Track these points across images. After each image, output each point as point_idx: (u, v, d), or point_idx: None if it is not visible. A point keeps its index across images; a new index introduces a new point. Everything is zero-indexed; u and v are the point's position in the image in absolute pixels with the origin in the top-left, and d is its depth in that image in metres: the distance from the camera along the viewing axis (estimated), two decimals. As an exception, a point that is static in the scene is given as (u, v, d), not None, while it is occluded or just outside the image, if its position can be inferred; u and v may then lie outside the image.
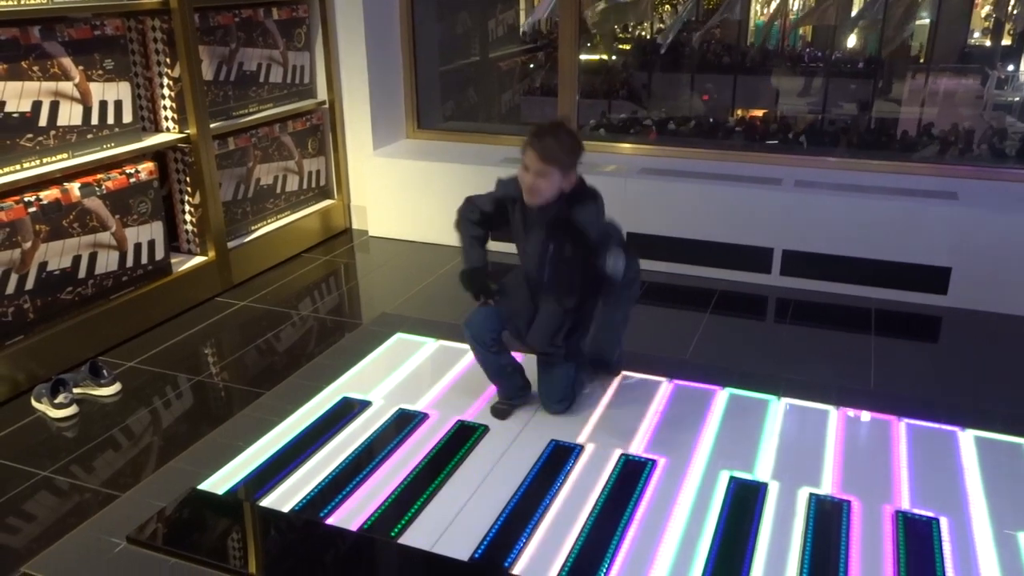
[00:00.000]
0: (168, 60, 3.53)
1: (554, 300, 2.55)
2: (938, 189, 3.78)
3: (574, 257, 2.48)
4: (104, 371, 3.00)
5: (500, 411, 2.77)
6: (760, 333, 3.58)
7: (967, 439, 2.62)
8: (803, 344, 3.40)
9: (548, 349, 2.66)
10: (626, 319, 2.79)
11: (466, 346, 3.26)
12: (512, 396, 2.80)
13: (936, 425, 2.70)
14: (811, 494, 2.36)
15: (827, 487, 2.40)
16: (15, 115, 2.93)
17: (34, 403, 2.89)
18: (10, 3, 2.86)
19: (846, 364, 3.19)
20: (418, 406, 2.85)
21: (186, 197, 3.76)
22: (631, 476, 2.45)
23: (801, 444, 2.62)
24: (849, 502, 2.33)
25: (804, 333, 3.54)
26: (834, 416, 2.76)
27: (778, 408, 2.81)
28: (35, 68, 2.97)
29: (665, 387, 2.95)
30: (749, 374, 3.03)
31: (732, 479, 2.43)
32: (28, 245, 2.98)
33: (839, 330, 3.53)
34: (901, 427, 2.69)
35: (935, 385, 3.06)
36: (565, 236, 2.46)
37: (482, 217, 2.62)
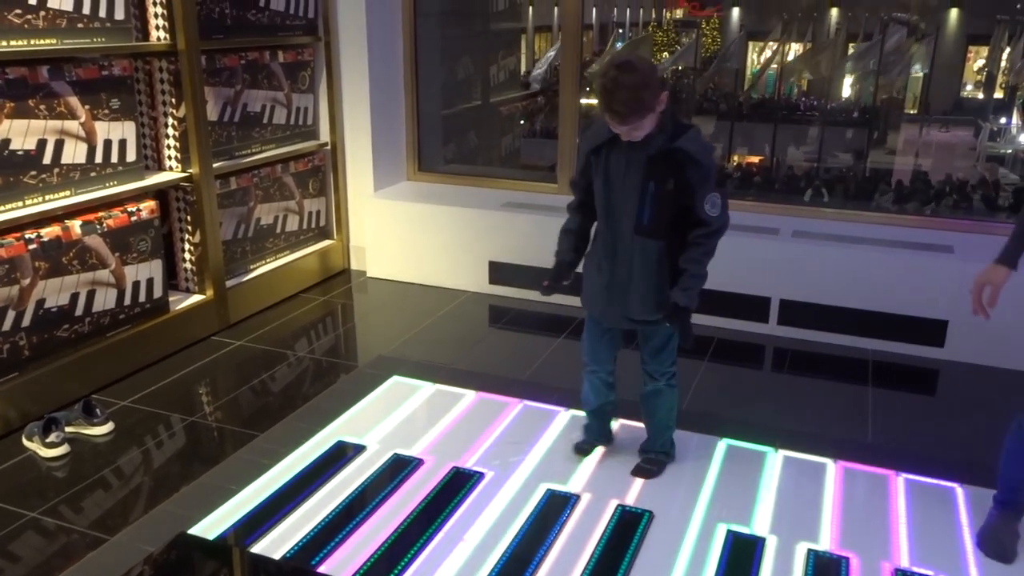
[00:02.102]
0: (174, 100, 3.57)
1: (652, 245, 2.36)
2: (935, 242, 3.80)
3: (673, 194, 2.31)
4: (97, 410, 2.98)
5: (579, 447, 2.80)
6: (757, 382, 3.57)
7: (966, 495, 2.60)
8: (800, 394, 3.39)
9: (657, 314, 2.43)
10: (705, 276, 2.45)
11: (463, 390, 3.27)
12: (599, 419, 2.78)
13: (935, 481, 2.68)
14: (809, 550, 2.34)
15: (825, 542, 2.37)
16: (20, 152, 2.95)
17: (25, 442, 2.86)
18: (22, 44, 2.90)
19: (844, 416, 3.18)
20: (413, 451, 2.83)
21: (186, 235, 3.77)
22: (628, 527, 2.42)
23: (799, 497, 2.59)
24: (848, 559, 2.30)
25: (801, 383, 3.53)
26: (832, 469, 2.74)
27: (775, 460, 2.79)
28: (42, 107, 3.00)
29: (662, 436, 2.93)
30: (746, 424, 3.02)
31: (729, 532, 2.41)
32: (27, 282, 2.97)
33: (837, 381, 3.52)
34: (900, 482, 2.68)
35: (933, 439, 3.04)
36: (666, 171, 2.29)
37: (584, 196, 2.48)
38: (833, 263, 3.76)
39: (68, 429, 2.90)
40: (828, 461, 2.78)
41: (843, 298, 3.77)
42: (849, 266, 3.74)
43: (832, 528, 2.44)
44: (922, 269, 3.63)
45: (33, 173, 3.01)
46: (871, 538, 2.40)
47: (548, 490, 2.60)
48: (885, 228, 4.03)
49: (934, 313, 3.64)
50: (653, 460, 2.72)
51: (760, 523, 2.46)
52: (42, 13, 2.96)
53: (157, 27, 3.46)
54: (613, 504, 2.53)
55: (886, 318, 3.71)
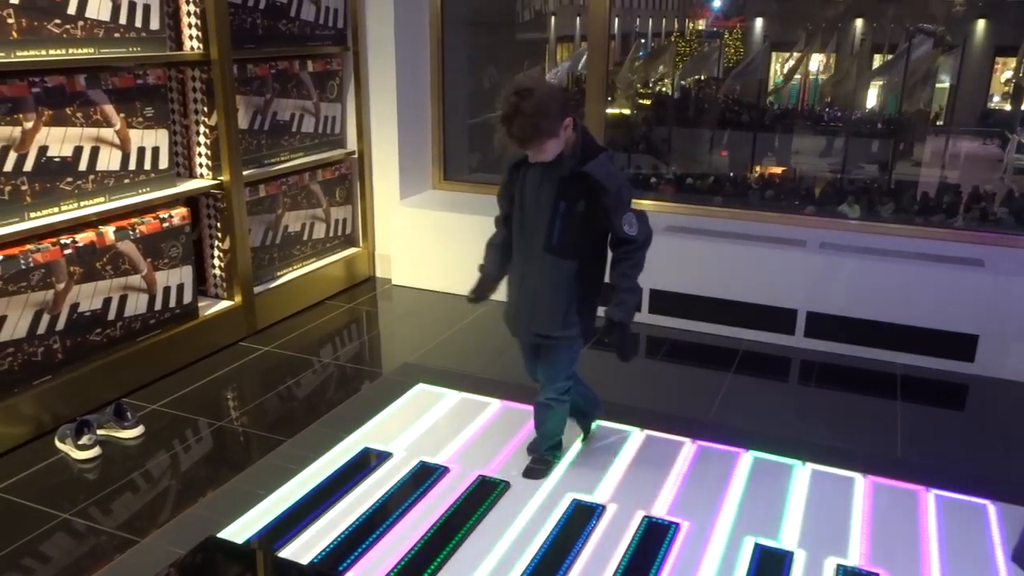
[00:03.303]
0: (206, 109, 3.62)
1: (561, 264, 2.42)
2: (964, 255, 3.77)
3: (585, 215, 2.37)
4: (128, 413, 3.02)
5: (536, 471, 2.74)
6: (784, 395, 3.55)
7: (998, 512, 2.57)
8: (828, 408, 3.36)
9: (558, 331, 2.50)
10: (638, 290, 2.53)
11: (488, 399, 3.27)
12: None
13: (966, 497, 2.65)
14: (839, 565, 2.32)
15: (855, 558, 2.35)
16: (57, 159, 3.00)
17: (58, 443, 2.91)
18: (60, 53, 2.95)
19: (872, 430, 3.15)
20: (439, 459, 2.84)
21: (216, 242, 3.81)
22: (654, 539, 2.42)
23: (827, 512, 2.57)
24: (878, 575, 2.28)
25: (829, 397, 3.50)
26: (861, 484, 2.71)
27: (803, 473, 2.77)
28: (79, 115, 3.06)
29: (688, 448, 2.93)
30: (773, 437, 3.00)
31: (757, 546, 2.39)
32: (61, 286, 3.02)
33: (864, 395, 3.49)
34: (930, 498, 2.65)
35: (963, 455, 3.01)
36: (577, 193, 2.35)
37: (509, 210, 2.54)
38: (861, 275, 3.73)
39: (99, 432, 2.94)
40: (857, 476, 2.75)
41: (871, 311, 3.74)
42: (877, 279, 3.71)
43: (862, 543, 2.42)
44: (952, 282, 3.60)
45: (69, 179, 3.06)
46: (901, 554, 2.38)
47: (574, 500, 2.60)
48: (913, 240, 3.99)
49: (964, 327, 3.60)
50: (541, 460, 2.77)
51: (788, 537, 2.44)
52: (80, 23, 3.01)
53: (190, 37, 3.52)
54: (639, 515, 2.53)
55: (915, 332, 3.67)
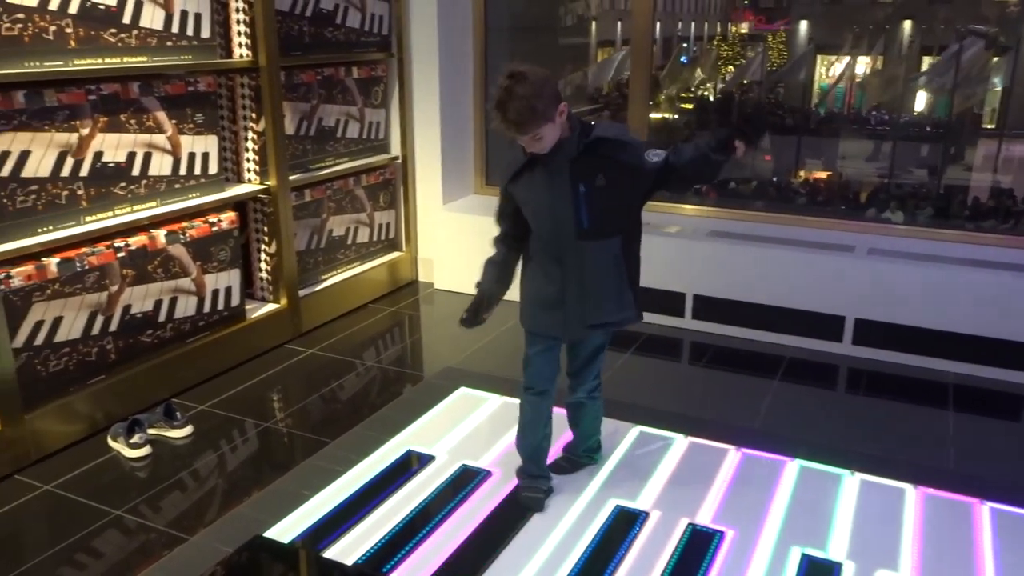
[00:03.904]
0: (254, 115, 3.68)
1: (602, 246, 2.30)
2: (1017, 261, 3.66)
3: (607, 188, 2.26)
4: (177, 413, 3.08)
5: (535, 500, 2.59)
6: (831, 404, 3.48)
7: (1056, 527, 2.49)
8: (876, 417, 3.29)
9: (616, 316, 2.37)
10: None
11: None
12: (540, 460, 2.64)
13: (1022, 511, 2.57)
14: (889, 578, 2.27)
15: (906, 571, 2.30)
16: (111, 165, 3.08)
17: (110, 442, 2.98)
18: (115, 61, 3.03)
19: (923, 440, 3.08)
20: (481, 463, 2.84)
21: (263, 246, 3.88)
22: (698, 548, 2.39)
23: (877, 523, 2.52)
24: (930, 589, 2.22)
25: (877, 405, 3.43)
26: (912, 495, 2.65)
27: (852, 483, 2.72)
28: (132, 121, 3.13)
29: (733, 455, 2.89)
30: (820, 446, 2.94)
31: (804, 556, 2.35)
32: (115, 288, 3.10)
33: (915, 404, 3.41)
34: (984, 511, 2.57)
35: (1019, 467, 2.92)
36: (594, 168, 2.24)
37: (509, 227, 2.45)
38: (911, 282, 3.65)
39: (150, 431, 3.01)
40: (907, 486, 2.69)
41: (921, 318, 3.65)
42: (928, 285, 3.62)
43: (913, 556, 2.36)
44: (1005, 289, 3.50)
45: (123, 184, 3.14)
46: (954, 568, 2.31)
47: (617, 506, 2.58)
48: (964, 246, 3.89)
49: (1019, 335, 3.50)
50: (572, 460, 2.78)
51: (836, 548, 2.39)
52: (134, 32, 3.09)
53: (240, 44, 3.59)
54: (684, 523, 2.50)
55: (967, 339, 3.58)
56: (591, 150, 2.24)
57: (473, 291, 2.50)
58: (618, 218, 2.33)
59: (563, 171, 2.26)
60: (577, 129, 2.25)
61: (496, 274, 2.47)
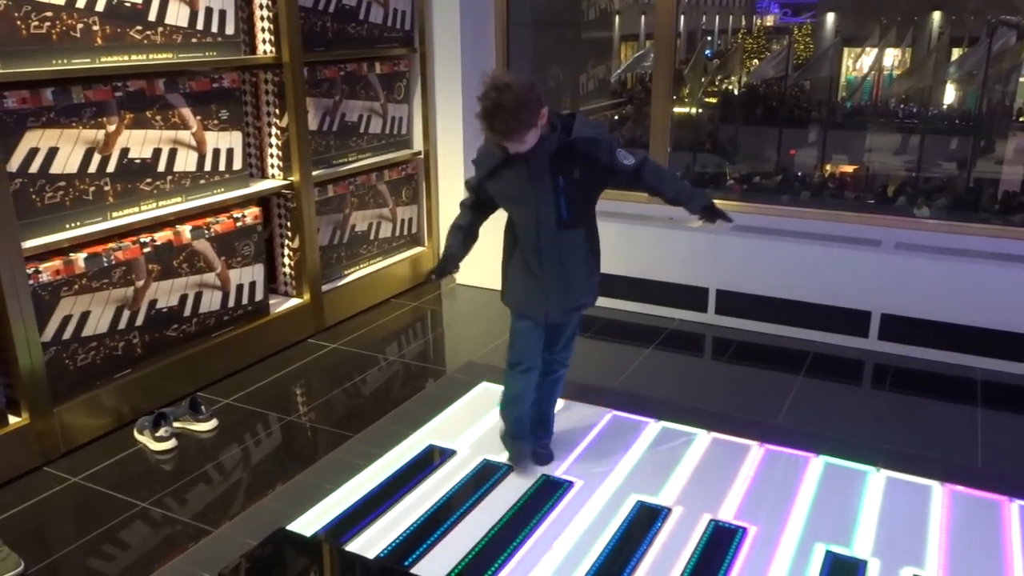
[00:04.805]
0: (278, 111, 3.71)
1: (576, 235, 2.51)
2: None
3: (582, 181, 2.45)
4: (202, 407, 3.11)
5: (520, 453, 2.77)
6: (856, 399, 3.44)
7: (1088, 526, 2.44)
8: (903, 413, 3.25)
9: (590, 297, 2.66)
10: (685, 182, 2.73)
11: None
12: (525, 425, 2.76)
13: (1053, 509, 2.53)
14: (915, 576, 2.24)
15: (933, 569, 2.27)
16: (137, 161, 3.12)
17: (136, 435, 3.02)
18: (141, 58, 3.07)
19: (950, 437, 3.03)
20: (503, 458, 2.84)
21: (286, 241, 3.91)
22: (720, 544, 2.37)
23: (903, 520, 2.48)
24: (957, 587, 2.19)
25: (904, 402, 3.38)
26: (939, 492, 2.61)
27: (877, 480, 2.69)
28: (158, 118, 3.17)
29: (755, 451, 2.87)
30: (845, 442, 2.91)
31: (828, 553, 2.33)
32: (141, 283, 3.14)
33: (942, 400, 3.36)
34: (1013, 508, 2.53)
35: (1050, 465, 2.87)
36: (571, 163, 2.42)
37: (477, 198, 2.65)
38: (939, 276, 3.60)
39: (176, 424, 3.05)
40: (934, 484, 2.65)
41: (949, 313, 3.60)
42: (956, 280, 3.57)
43: (940, 554, 2.33)
44: (1038, 284, 3.43)
45: (148, 180, 3.17)
46: (983, 567, 2.28)
47: (638, 501, 2.58)
48: (992, 240, 3.82)
49: (1051, 331, 3.43)
50: (548, 445, 2.87)
51: (861, 545, 2.37)
52: (160, 29, 3.12)
53: (263, 41, 3.61)
54: (706, 519, 2.49)
55: (996, 335, 3.52)
56: (569, 146, 2.41)
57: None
58: (586, 209, 2.54)
59: (544, 166, 2.42)
60: (558, 126, 2.41)
61: (461, 238, 2.70)
